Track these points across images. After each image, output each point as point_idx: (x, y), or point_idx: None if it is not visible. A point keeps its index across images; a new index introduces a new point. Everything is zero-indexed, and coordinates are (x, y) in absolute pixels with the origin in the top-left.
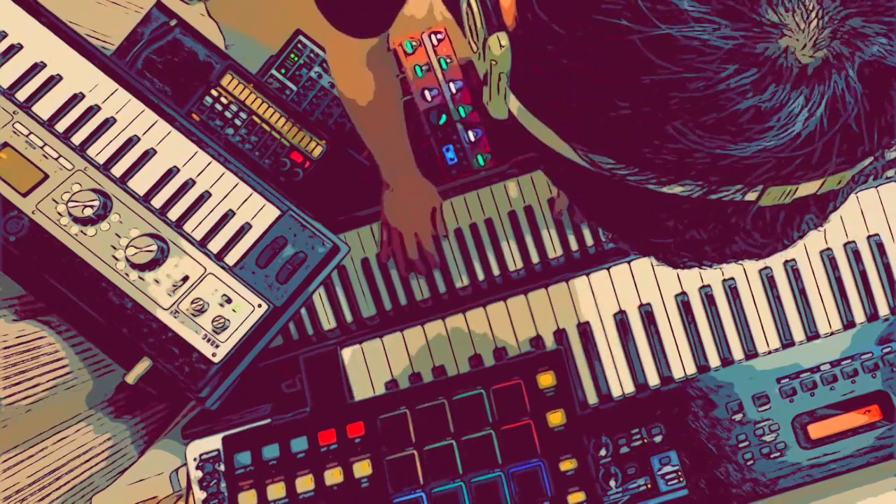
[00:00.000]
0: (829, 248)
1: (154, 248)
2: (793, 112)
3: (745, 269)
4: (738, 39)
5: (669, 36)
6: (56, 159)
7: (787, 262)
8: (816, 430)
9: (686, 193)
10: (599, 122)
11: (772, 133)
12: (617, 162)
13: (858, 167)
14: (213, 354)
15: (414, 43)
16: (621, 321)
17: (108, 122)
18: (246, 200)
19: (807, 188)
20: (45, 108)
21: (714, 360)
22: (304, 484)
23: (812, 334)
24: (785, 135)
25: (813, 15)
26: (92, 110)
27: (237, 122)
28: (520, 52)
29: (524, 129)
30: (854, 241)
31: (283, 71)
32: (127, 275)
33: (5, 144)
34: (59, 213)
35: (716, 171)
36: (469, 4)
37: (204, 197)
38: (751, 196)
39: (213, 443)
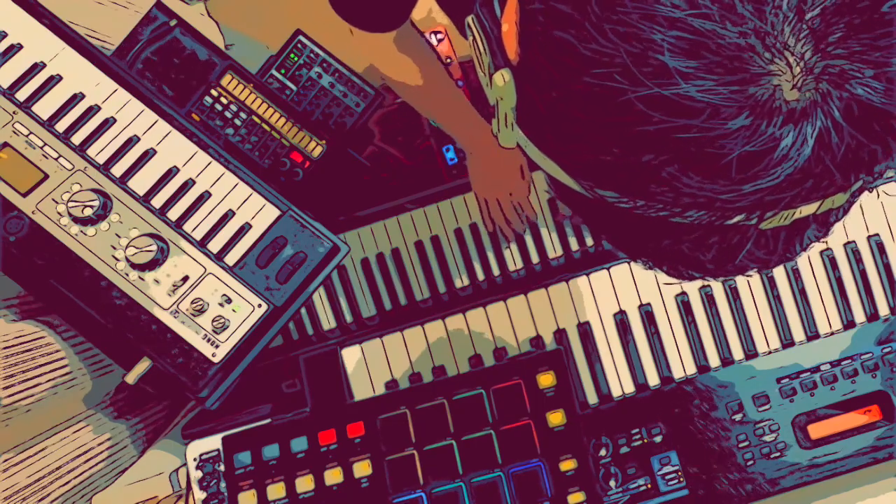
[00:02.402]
0: (829, 248)
1: (154, 248)
2: (784, 149)
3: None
4: (725, 93)
5: (660, 94)
6: (56, 159)
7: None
8: (816, 430)
9: (686, 223)
10: (599, 164)
11: (767, 172)
12: (621, 196)
13: (854, 188)
14: (213, 354)
15: None
16: (621, 321)
17: (108, 122)
18: (246, 200)
19: (805, 210)
20: (45, 108)
21: (714, 360)
22: (304, 484)
23: (812, 334)
24: (779, 173)
25: (800, 58)
26: (92, 110)
27: (237, 122)
28: (524, 87)
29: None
30: (854, 241)
31: (283, 71)
32: (127, 275)
33: (5, 144)
34: (59, 213)
35: (714, 208)
36: (474, 39)
37: (204, 197)
38: (752, 221)
39: (213, 443)
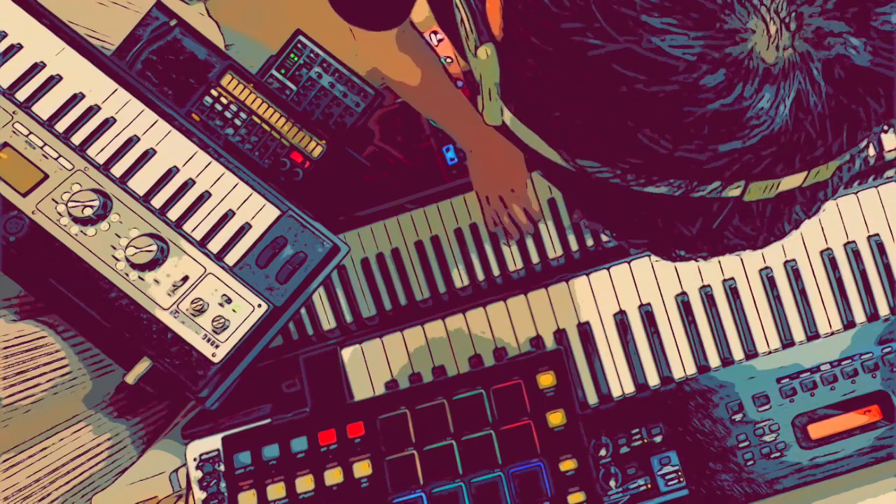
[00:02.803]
0: (829, 248)
1: (154, 248)
2: (761, 111)
3: (745, 269)
4: (700, 49)
5: (631, 49)
6: (56, 159)
7: (787, 262)
8: (816, 430)
9: (667, 192)
10: (577, 129)
11: (741, 133)
12: (601, 165)
13: (838, 160)
14: (213, 354)
15: None
16: (621, 321)
17: (108, 122)
18: (246, 200)
19: (790, 182)
20: (45, 108)
21: (714, 360)
22: (304, 484)
23: (812, 334)
24: (755, 134)
25: (775, 16)
26: (92, 110)
27: (237, 122)
28: (507, 61)
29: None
30: (854, 241)
31: (283, 71)
32: (127, 275)
33: (5, 144)
34: (59, 213)
35: (691, 172)
36: (461, 18)
37: (204, 197)
38: (734, 192)
39: (213, 443)
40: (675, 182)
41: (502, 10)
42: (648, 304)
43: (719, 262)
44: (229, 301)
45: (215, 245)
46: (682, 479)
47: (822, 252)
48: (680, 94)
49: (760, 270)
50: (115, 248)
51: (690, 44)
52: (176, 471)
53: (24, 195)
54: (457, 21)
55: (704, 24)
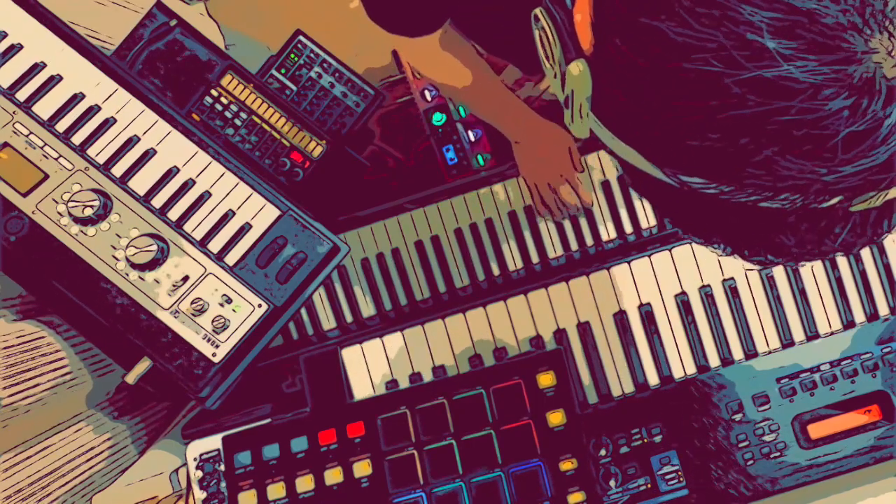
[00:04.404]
0: None
1: (154, 248)
2: (888, 128)
3: (745, 270)
4: (827, 73)
5: (760, 76)
6: (56, 159)
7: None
8: (816, 430)
9: (781, 206)
10: (688, 150)
11: (873, 152)
12: (708, 181)
13: None
14: (213, 354)
15: None
16: (621, 321)
17: (108, 122)
18: (246, 200)
19: None
20: (45, 108)
21: (714, 360)
22: (304, 484)
23: (812, 334)
24: (882, 152)
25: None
26: (92, 110)
27: (237, 122)
28: (600, 77)
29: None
30: None
31: (283, 71)
32: (127, 275)
33: (5, 144)
34: (59, 213)
35: (814, 190)
36: (544, 31)
37: (204, 197)
38: (861, 206)
39: (213, 443)
40: (793, 197)
41: (593, 26)
42: (648, 304)
43: (719, 261)
44: (229, 301)
45: (215, 245)
46: (681, 479)
47: None
48: (806, 117)
49: (760, 270)
50: (115, 248)
51: (818, 69)
52: (176, 471)
53: (25, 195)
54: (535, 32)
55: (830, 47)
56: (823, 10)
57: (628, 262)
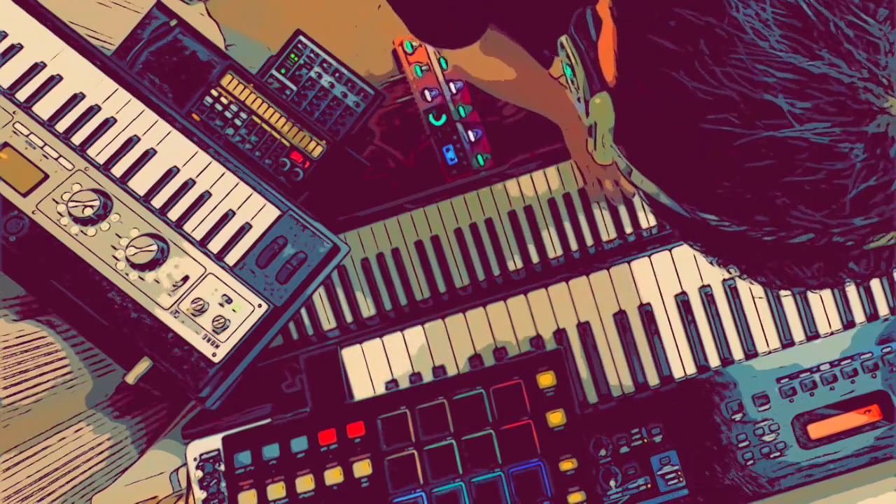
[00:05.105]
0: None
1: (154, 248)
2: None
3: None
4: (839, 134)
5: (772, 136)
6: (56, 159)
7: None
8: (816, 430)
9: (795, 242)
10: (704, 192)
11: (882, 206)
12: (722, 219)
13: None
14: (213, 354)
15: (414, 43)
16: (621, 321)
17: (108, 122)
18: (246, 200)
19: None
20: (45, 108)
21: (714, 360)
22: (304, 484)
23: (812, 334)
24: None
25: None
26: (92, 110)
27: (237, 122)
28: (623, 109)
29: (526, 131)
30: None
31: (283, 71)
32: (127, 275)
33: (5, 144)
34: (59, 213)
35: (824, 232)
36: (568, 58)
37: (204, 197)
38: (875, 244)
39: (213, 443)
40: (805, 237)
41: (617, 63)
42: (648, 304)
43: None
44: (229, 301)
45: (215, 245)
46: (681, 479)
47: None
48: (818, 177)
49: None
50: (115, 248)
51: (831, 130)
52: (176, 471)
53: (25, 195)
54: (560, 59)
55: (844, 108)
56: (836, 75)
57: (628, 262)
